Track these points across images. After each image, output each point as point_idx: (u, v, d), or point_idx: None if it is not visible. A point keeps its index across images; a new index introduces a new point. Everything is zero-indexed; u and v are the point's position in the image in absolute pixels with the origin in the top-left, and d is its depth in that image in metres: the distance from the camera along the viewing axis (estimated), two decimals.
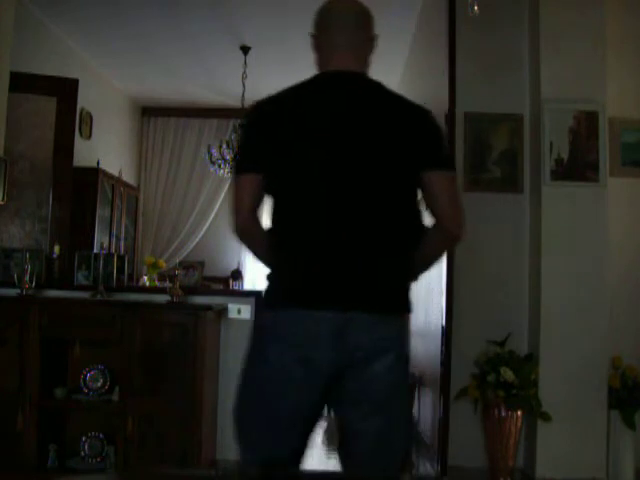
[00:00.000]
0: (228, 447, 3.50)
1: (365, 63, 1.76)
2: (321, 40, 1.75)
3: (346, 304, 1.55)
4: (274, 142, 1.62)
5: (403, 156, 1.63)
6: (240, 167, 1.69)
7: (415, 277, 1.73)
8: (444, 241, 1.73)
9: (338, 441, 1.70)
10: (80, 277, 3.64)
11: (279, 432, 1.59)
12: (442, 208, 1.65)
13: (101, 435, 3.32)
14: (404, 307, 1.64)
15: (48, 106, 4.92)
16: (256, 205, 1.68)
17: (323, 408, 1.64)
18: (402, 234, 1.64)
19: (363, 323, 1.55)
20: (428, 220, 1.70)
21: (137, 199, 7.48)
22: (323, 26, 1.75)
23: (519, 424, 3.18)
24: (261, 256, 1.75)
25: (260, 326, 1.66)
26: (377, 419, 1.59)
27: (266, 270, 1.70)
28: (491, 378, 3.12)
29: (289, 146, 1.62)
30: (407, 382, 1.70)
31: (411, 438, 1.89)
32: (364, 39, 1.76)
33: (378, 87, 1.70)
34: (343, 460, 1.73)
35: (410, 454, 2.14)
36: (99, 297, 3.46)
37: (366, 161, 1.61)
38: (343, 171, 1.59)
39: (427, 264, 1.77)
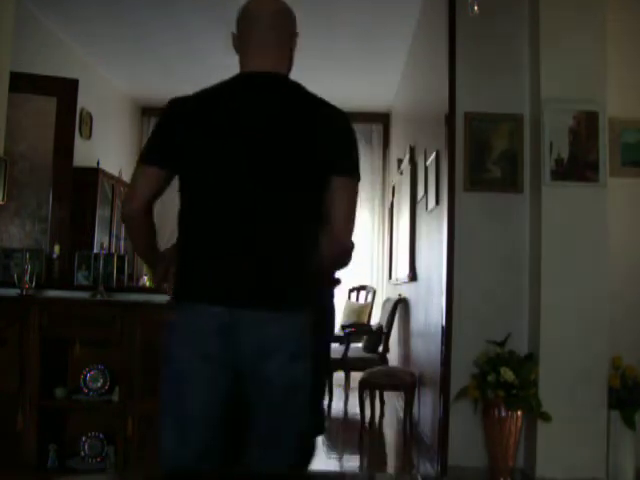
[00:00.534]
0: None
1: (284, 62, 1.77)
2: (241, 40, 1.78)
3: (233, 300, 1.57)
4: (184, 139, 1.64)
5: (311, 158, 1.64)
6: (146, 157, 1.70)
7: (316, 277, 1.73)
8: (330, 245, 1.70)
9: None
10: (80, 277, 3.64)
11: (185, 431, 1.59)
12: (336, 214, 1.66)
13: (101, 435, 3.32)
14: (298, 304, 1.62)
15: (48, 106, 4.92)
16: (151, 198, 1.72)
17: (237, 407, 1.62)
18: (301, 234, 1.65)
19: (251, 321, 1.56)
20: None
21: None
22: (242, 26, 1.78)
23: (519, 424, 3.18)
24: (141, 249, 1.84)
25: (167, 323, 1.73)
26: (266, 422, 1.59)
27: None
28: (491, 378, 3.12)
29: (198, 144, 1.64)
30: (306, 381, 1.64)
31: (308, 439, 1.86)
32: (283, 38, 1.78)
33: (293, 88, 1.71)
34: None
35: (309, 456, 2.11)
36: (99, 297, 3.46)
37: (272, 162, 1.62)
38: (248, 171, 1.61)
39: (323, 267, 1.76)
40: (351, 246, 1.72)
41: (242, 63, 1.78)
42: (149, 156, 1.69)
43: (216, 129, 1.64)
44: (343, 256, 1.77)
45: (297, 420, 1.64)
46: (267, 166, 1.62)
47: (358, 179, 1.71)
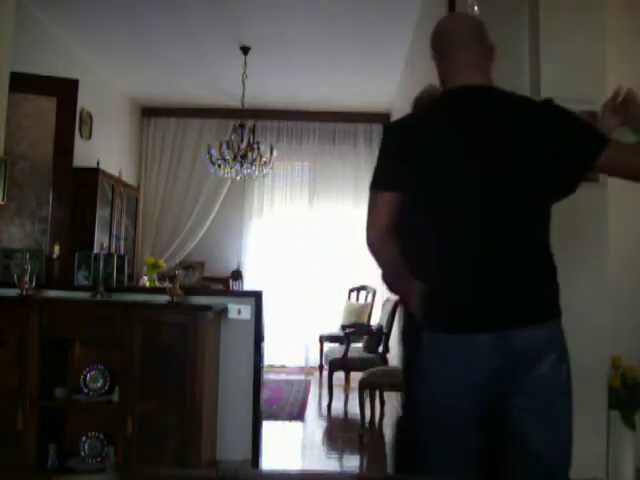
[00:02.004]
0: (228, 447, 3.51)
1: (486, 76, 1.78)
2: (442, 61, 1.78)
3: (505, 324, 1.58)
4: (418, 161, 1.66)
5: (538, 162, 1.65)
6: (381, 184, 1.72)
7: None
8: None
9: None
10: (80, 277, 3.64)
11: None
12: None
13: (101, 435, 3.32)
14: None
15: (48, 106, 4.92)
16: (392, 223, 1.70)
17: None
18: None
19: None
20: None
21: (137, 199, 7.48)
22: (442, 47, 1.78)
23: None
24: (390, 273, 1.79)
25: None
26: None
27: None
28: None
29: (436, 164, 1.65)
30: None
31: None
32: (483, 52, 1.78)
33: (504, 95, 1.73)
34: None
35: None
36: (99, 297, 3.46)
37: (513, 174, 1.63)
38: (495, 186, 1.62)
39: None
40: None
41: (449, 81, 1.78)
42: (385, 182, 1.71)
43: (451, 147, 1.65)
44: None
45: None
46: (513, 178, 1.63)
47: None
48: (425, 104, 2.01)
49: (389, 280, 1.84)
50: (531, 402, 1.59)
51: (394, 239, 1.70)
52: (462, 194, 1.63)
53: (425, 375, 1.65)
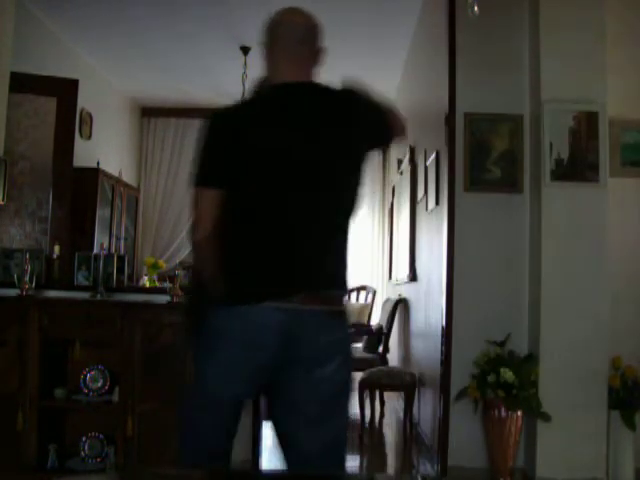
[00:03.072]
0: None
1: (311, 75, 1.81)
2: (270, 51, 1.80)
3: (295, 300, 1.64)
4: (236, 154, 1.66)
5: (355, 158, 1.76)
6: (203, 180, 1.71)
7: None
8: None
9: None
10: (80, 277, 3.64)
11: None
12: None
13: (101, 435, 3.32)
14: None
15: (48, 106, 4.92)
16: (216, 221, 1.70)
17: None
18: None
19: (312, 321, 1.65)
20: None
21: (137, 199, 7.48)
22: (272, 37, 1.79)
23: (519, 424, 3.17)
24: (209, 270, 1.76)
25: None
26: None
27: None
28: (491, 378, 3.12)
29: (250, 156, 1.67)
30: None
31: None
32: (313, 53, 1.81)
33: (327, 92, 1.78)
34: None
35: None
36: (99, 297, 3.46)
37: (318, 167, 1.69)
38: (306, 178, 1.67)
39: None
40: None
41: (271, 74, 1.80)
42: (208, 178, 1.71)
43: (267, 140, 1.67)
44: None
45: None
46: (324, 171, 1.69)
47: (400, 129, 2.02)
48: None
49: (199, 272, 1.84)
50: (307, 376, 1.65)
51: (216, 238, 1.72)
52: (277, 189, 1.67)
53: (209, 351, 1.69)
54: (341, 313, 1.72)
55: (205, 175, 1.70)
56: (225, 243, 1.70)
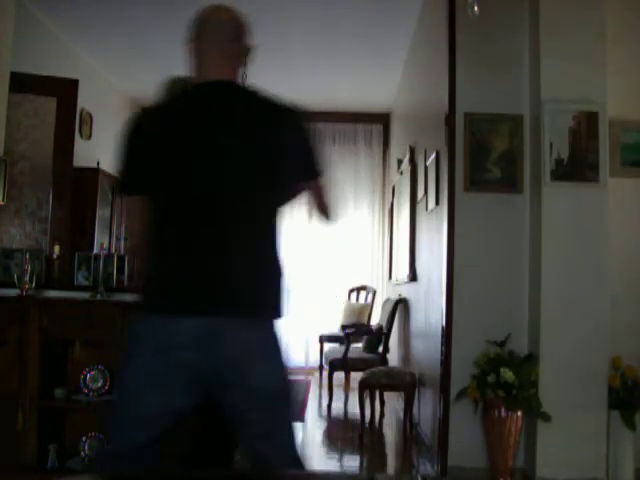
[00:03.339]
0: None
1: (236, 73, 1.79)
2: (195, 48, 1.77)
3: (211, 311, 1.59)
4: (152, 158, 1.65)
5: (276, 161, 1.67)
6: (131, 188, 1.71)
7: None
8: None
9: None
10: (80, 277, 3.64)
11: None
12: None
13: (101, 435, 3.32)
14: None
15: (48, 106, 4.92)
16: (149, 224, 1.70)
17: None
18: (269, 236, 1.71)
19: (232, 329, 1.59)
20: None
21: None
22: (198, 34, 1.77)
23: (519, 424, 3.17)
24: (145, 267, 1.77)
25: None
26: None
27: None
28: (491, 378, 3.12)
29: (167, 158, 1.65)
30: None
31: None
32: (239, 51, 1.79)
33: (250, 94, 1.74)
34: None
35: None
36: (99, 297, 3.46)
37: (239, 170, 1.65)
38: (218, 180, 1.63)
39: None
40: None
41: (196, 71, 1.78)
42: (135, 187, 1.70)
43: (183, 141, 1.65)
44: None
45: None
46: (238, 175, 1.64)
47: (322, 175, 1.78)
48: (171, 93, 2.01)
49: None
50: (234, 382, 1.62)
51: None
52: (193, 192, 1.64)
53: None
54: (261, 317, 1.65)
55: (126, 183, 1.71)
56: (148, 249, 1.69)
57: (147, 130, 1.69)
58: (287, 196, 1.73)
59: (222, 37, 1.74)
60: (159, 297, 1.64)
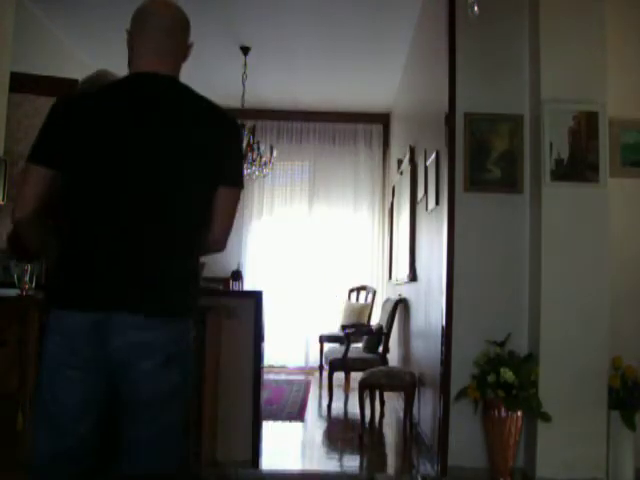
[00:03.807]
0: (228, 447, 3.50)
1: (174, 69, 1.78)
2: (135, 40, 1.78)
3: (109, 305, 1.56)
4: (75, 140, 1.62)
5: (198, 163, 1.65)
6: (35, 156, 1.64)
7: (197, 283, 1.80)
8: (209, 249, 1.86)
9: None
10: None
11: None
12: (218, 222, 1.76)
13: None
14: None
15: (48, 106, 4.90)
16: (41, 199, 1.63)
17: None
18: (184, 239, 1.67)
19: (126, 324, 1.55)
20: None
21: None
22: (139, 26, 1.78)
23: (519, 424, 3.18)
24: (34, 252, 1.73)
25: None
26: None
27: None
28: (491, 378, 3.12)
29: (86, 146, 1.62)
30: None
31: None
32: (176, 46, 1.80)
33: (185, 90, 1.74)
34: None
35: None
36: None
37: (157, 166, 1.62)
38: (133, 174, 1.60)
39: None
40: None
41: (133, 64, 1.78)
42: (39, 155, 1.64)
43: (105, 131, 1.62)
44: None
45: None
46: (155, 170, 1.61)
47: (242, 187, 1.77)
48: (94, 85, 1.97)
49: (12, 249, 1.80)
50: (129, 377, 1.58)
51: (43, 221, 1.67)
52: (114, 184, 1.60)
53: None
54: (162, 314, 1.61)
55: (37, 152, 1.64)
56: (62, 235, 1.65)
57: (73, 114, 1.65)
58: (204, 198, 1.69)
59: (160, 31, 1.75)
60: (64, 290, 1.61)
